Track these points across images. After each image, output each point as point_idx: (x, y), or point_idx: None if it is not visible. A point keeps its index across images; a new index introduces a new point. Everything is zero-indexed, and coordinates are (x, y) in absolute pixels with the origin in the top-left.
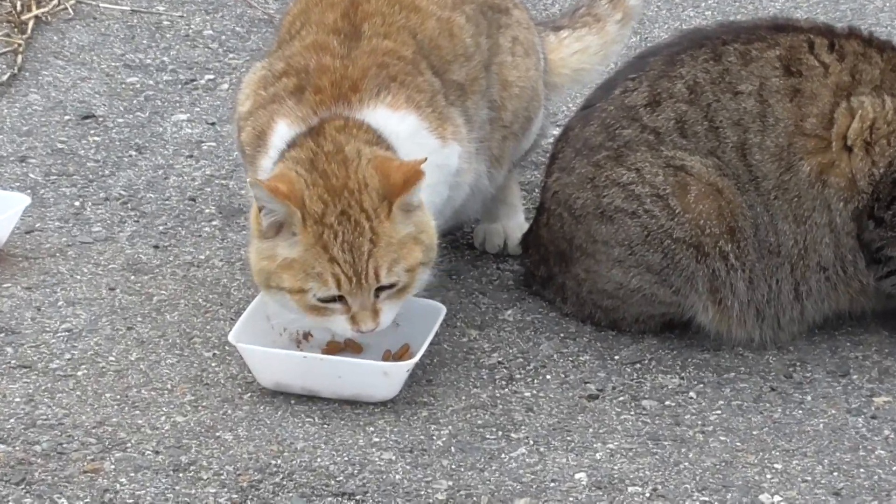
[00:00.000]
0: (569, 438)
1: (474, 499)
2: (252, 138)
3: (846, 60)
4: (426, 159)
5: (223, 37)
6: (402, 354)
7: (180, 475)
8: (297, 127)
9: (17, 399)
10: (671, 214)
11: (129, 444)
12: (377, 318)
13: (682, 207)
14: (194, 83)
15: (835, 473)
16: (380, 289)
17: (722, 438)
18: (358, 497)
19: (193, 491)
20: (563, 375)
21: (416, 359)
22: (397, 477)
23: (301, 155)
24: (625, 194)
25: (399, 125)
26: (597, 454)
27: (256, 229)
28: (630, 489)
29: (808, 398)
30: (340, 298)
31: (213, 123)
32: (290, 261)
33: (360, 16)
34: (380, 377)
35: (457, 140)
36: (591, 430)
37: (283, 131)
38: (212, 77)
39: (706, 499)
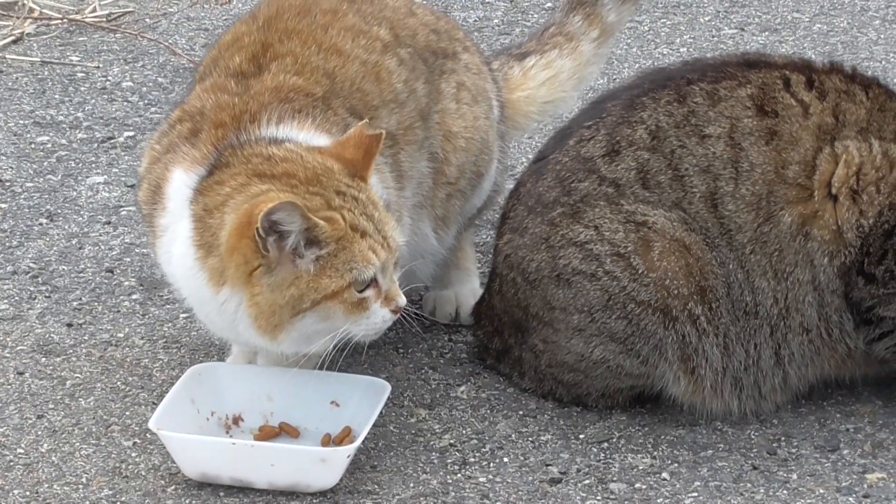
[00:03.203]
0: None
1: None
2: (148, 196)
3: (828, 99)
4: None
5: (144, 89)
6: (342, 438)
7: None
8: (195, 171)
9: None
10: (634, 275)
11: None
12: (401, 293)
13: (645, 267)
14: (112, 141)
15: None
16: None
17: None
18: None
19: None
20: (522, 458)
21: (358, 443)
22: None
23: (236, 181)
24: (583, 254)
25: (314, 141)
26: None
27: (258, 269)
28: None
29: (794, 477)
30: (372, 282)
31: (132, 186)
32: (325, 261)
33: (269, 56)
34: (318, 464)
35: (382, 185)
36: None
37: (178, 179)
38: (131, 134)
39: None
